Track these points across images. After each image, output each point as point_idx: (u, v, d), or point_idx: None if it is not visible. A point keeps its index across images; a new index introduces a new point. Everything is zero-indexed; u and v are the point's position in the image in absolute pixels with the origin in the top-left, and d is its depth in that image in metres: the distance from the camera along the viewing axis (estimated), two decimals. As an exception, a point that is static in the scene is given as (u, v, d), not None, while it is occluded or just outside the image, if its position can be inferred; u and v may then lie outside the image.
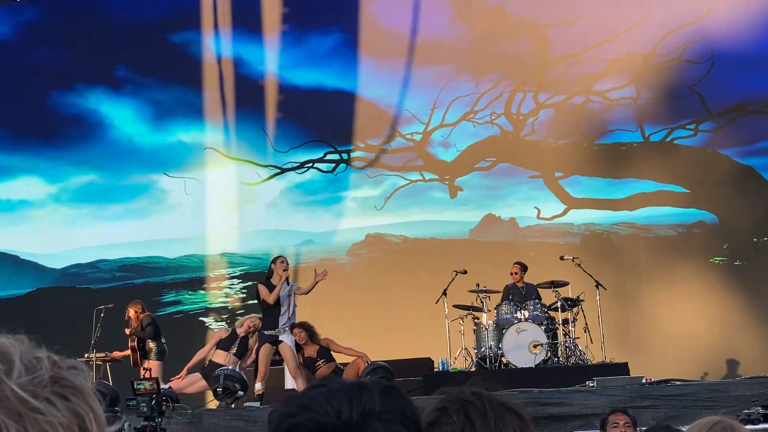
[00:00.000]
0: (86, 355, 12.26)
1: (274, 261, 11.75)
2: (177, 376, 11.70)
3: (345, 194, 16.25)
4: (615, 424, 6.70)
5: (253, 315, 12.16)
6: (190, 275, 16.15)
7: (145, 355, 12.18)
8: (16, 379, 1.03)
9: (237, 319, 12.95)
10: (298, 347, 11.60)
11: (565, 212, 15.84)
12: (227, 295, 16.06)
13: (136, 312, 12.33)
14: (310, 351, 11.64)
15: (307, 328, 11.65)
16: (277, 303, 11.45)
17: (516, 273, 12.70)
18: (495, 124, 16.06)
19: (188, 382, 11.65)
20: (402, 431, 1.40)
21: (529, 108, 16.02)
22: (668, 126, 15.67)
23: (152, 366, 11.91)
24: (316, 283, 11.56)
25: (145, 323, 12.27)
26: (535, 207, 15.86)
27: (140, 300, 12.80)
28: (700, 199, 15.56)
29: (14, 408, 1.02)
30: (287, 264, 11.66)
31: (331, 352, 11.78)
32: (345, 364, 11.77)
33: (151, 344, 12.20)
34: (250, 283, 15.86)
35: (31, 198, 16.38)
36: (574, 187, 15.90)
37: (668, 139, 15.73)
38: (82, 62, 16.41)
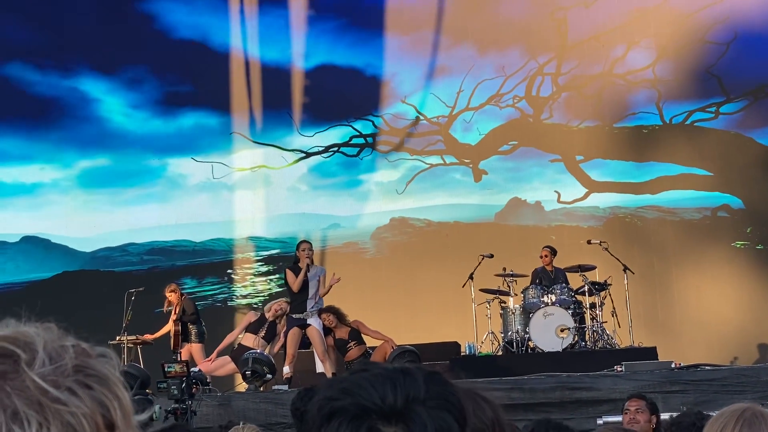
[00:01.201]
0: (118, 338, 12.31)
1: (298, 247, 11.80)
2: (207, 359, 11.77)
3: (366, 178, 16.24)
4: (626, 411, 6.70)
5: (280, 299, 12.20)
6: (217, 258, 16.21)
7: (186, 338, 12.22)
8: (38, 368, 1.02)
9: (264, 302, 12.99)
10: (329, 330, 11.64)
11: (586, 196, 15.79)
12: (254, 279, 16.12)
13: (177, 296, 12.34)
14: (341, 333, 11.67)
15: (334, 311, 11.70)
16: (305, 287, 11.47)
17: (546, 256, 12.66)
18: (516, 108, 16.01)
19: (218, 365, 11.72)
20: (447, 418, 1.39)
21: (550, 91, 15.96)
22: (690, 108, 15.58)
23: (194, 348, 12.00)
24: (331, 286, 11.62)
25: (188, 306, 12.31)
26: (555, 191, 15.81)
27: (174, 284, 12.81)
28: (725, 182, 15.46)
29: (35, 398, 1.01)
30: (310, 250, 11.65)
31: (361, 334, 11.80)
32: (373, 348, 11.80)
33: (192, 327, 12.26)
34: (271, 267, 15.92)
35: (48, 182, 16.36)
36: (597, 171, 15.84)
37: (688, 122, 15.63)
38: (84, 45, 16.27)
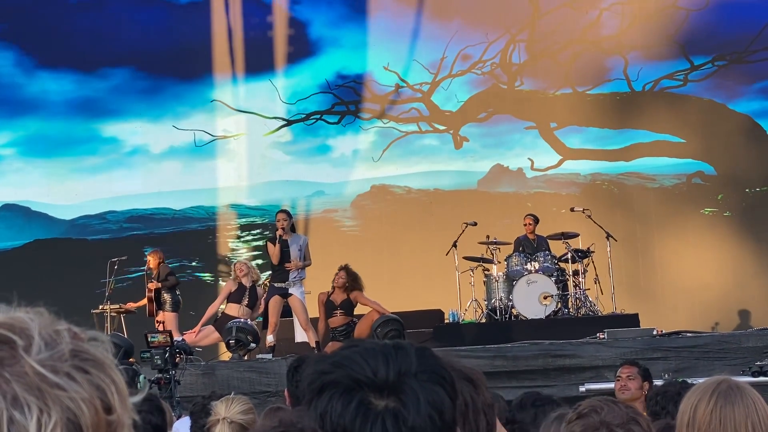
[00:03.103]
0: (101, 307, 12.27)
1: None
2: (191, 331, 11.74)
3: (338, 144, 16.20)
4: (618, 378, 6.71)
5: (237, 262, 12.12)
6: (197, 226, 16.14)
7: (160, 306, 12.13)
8: (35, 355, 1.03)
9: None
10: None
11: (559, 163, 15.82)
12: (234, 247, 16.08)
13: (156, 261, 12.25)
14: (338, 296, 11.58)
15: (350, 273, 11.59)
16: (286, 257, 11.41)
17: (529, 224, 12.70)
18: (492, 76, 16.01)
19: (202, 335, 11.71)
20: (438, 391, 1.40)
21: (523, 59, 15.94)
22: (661, 75, 15.63)
23: (167, 317, 11.89)
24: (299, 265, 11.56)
25: (166, 273, 12.22)
26: (528, 158, 15.84)
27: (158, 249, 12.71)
28: (698, 149, 15.54)
29: (34, 384, 1.02)
30: (284, 220, 11.48)
31: (354, 308, 11.70)
32: (360, 316, 11.77)
33: (166, 296, 12.15)
34: (253, 235, 15.91)
35: (16, 151, 16.22)
36: (570, 138, 15.88)
37: (657, 89, 15.68)
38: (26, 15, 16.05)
